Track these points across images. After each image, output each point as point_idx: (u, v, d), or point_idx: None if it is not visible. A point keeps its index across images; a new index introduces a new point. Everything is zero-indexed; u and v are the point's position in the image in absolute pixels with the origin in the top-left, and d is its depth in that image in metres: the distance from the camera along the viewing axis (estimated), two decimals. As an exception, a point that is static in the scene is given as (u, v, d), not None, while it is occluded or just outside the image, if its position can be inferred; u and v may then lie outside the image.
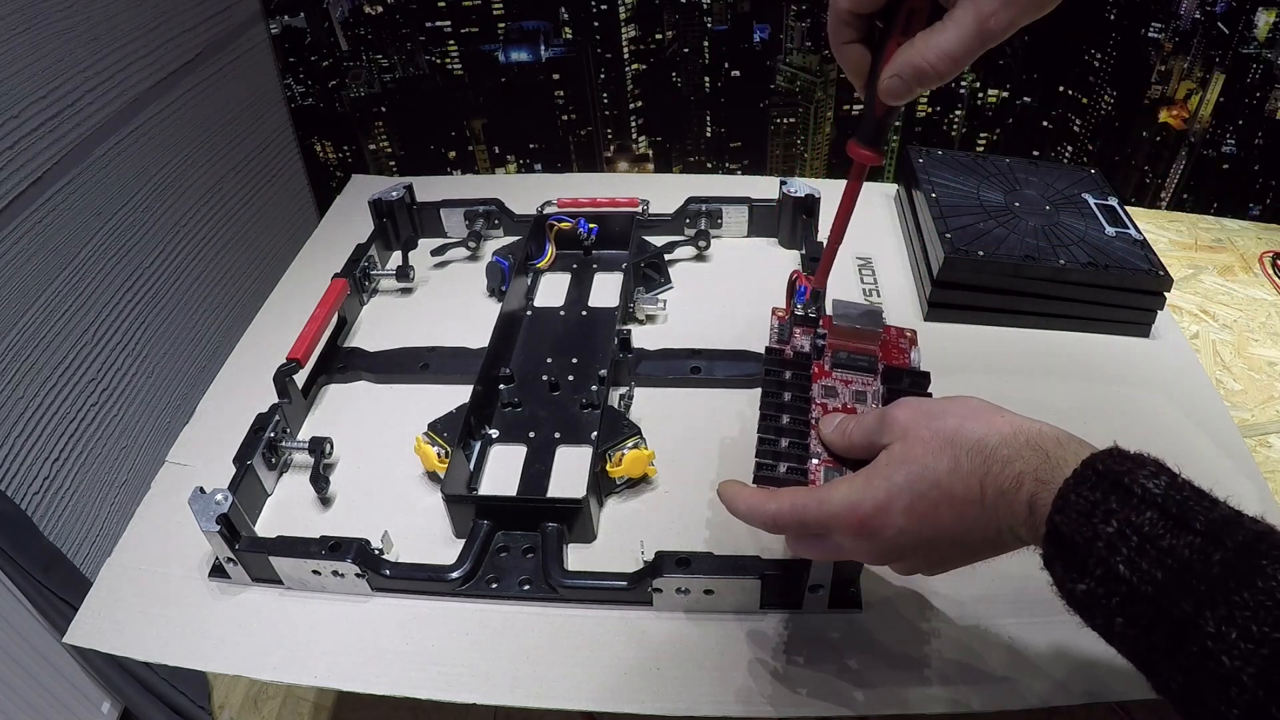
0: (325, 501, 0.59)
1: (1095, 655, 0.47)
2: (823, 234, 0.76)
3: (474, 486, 0.59)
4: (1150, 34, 1.18)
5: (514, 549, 0.55)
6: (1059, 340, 0.71)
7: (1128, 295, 0.69)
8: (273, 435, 0.60)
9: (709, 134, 1.42)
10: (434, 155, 1.44)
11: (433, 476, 0.60)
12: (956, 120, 1.36)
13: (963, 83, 1.31)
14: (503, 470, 0.61)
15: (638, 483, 0.59)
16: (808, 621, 0.50)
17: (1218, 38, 1.15)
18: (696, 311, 0.74)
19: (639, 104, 1.39)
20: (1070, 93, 1.30)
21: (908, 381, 0.49)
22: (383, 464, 0.62)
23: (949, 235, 0.71)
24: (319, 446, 0.60)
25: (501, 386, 0.65)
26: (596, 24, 1.30)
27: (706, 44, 1.32)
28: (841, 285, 0.76)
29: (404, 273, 0.77)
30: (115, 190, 0.98)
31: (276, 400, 0.61)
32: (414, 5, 1.29)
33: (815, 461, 0.45)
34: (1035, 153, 1.36)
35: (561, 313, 0.74)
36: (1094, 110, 1.29)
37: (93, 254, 0.95)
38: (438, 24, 1.31)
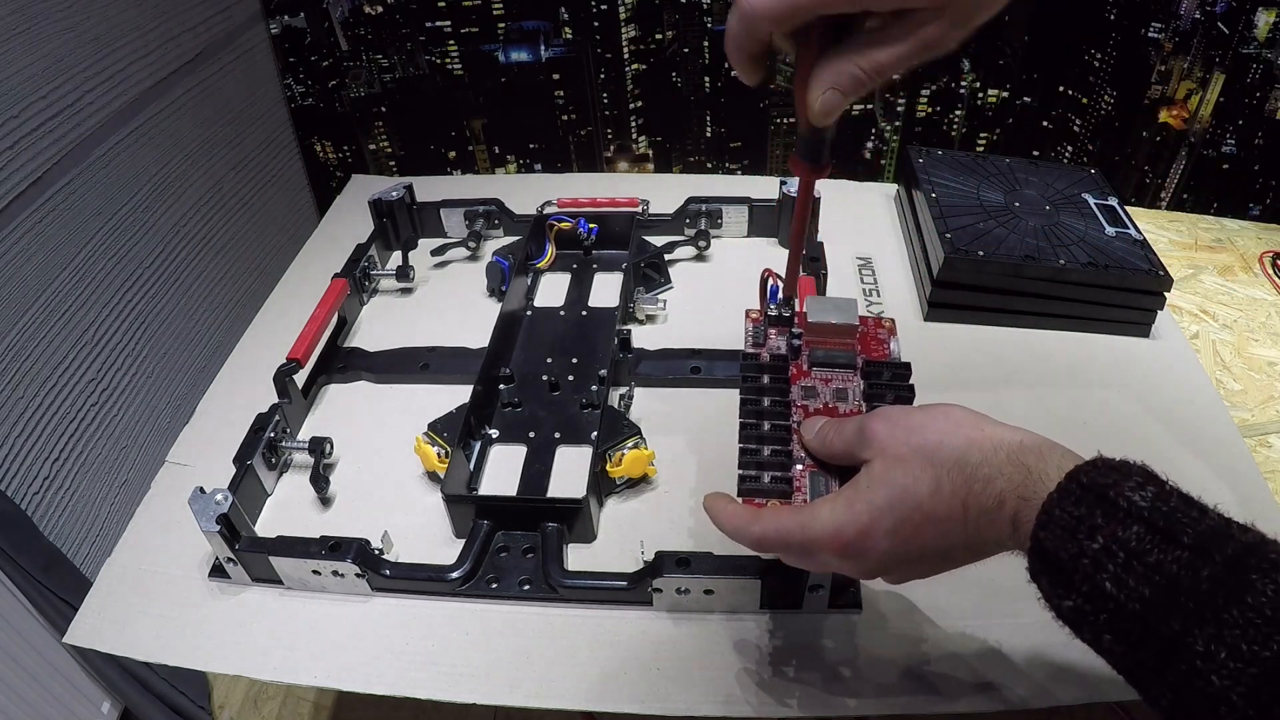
0: (325, 501, 0.59)
1: (1094, 656, 0.47)
2: (823, 234, 0.77)
3: (474, 486, 0.59)
4: (1150, 34, 1.18)
5: (514, 549, 0.55)
6: (1059, 340, 0.71)
7: (1128, 295, 0.69)
8: (273, 435, 0.60)
9: (709, 134, 1.42)
10: (434, 155, 1.44)
11: (433, 476, 0.60)
12: (956, 120, 1.36)
13: (963, 83, 1.31)
14: (503, 470, 0.61)
15: (638, 483, 0.59)
16: (808, 621, 0.50)
17: (1218, 38, 1.15)
18: (696, 311, 0.74)
19: (639, 104, 1.39)
20: (1070, 93, 1.30)
21: (888, 375, 0.48)
22: (383, 464, 0.62)
23: (949, 235, 0.71)
24: (319, 446, 0.60)
25: (501, 386, 0.65)
26: (596, 24, 1.30)
27: (706, 44, 1.32)
28: (841, 285, 0.76)
29: (404, 273, 0.77)
30: (115, 190, 0.98)
31: (276, 400, 0.61)
32: (414, 5, 1.29)
33: (799, 468, 0.45)
34: (1035, 153, 1.36)
35: (561, 313, 0.74)
36: (1094, 110, 1.29)
37: (93, 254, 0.95)
38: (438, 24, 1.31)
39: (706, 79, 1.36)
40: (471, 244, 0.82)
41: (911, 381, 0.48)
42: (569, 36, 1.32)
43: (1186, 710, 0.29)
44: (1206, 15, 1.14)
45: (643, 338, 0.70)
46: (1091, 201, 0.77)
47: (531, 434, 0.63)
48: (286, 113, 1.38)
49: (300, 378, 0.65)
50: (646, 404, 0.65)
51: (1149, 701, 0.31)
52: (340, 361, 0.70)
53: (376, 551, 0.53)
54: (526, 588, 0.53)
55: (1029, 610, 0.49)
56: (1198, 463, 0.59)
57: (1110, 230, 0.73)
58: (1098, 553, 0.32)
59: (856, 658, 0.48)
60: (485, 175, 1.45)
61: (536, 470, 0.60)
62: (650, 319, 0.74)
